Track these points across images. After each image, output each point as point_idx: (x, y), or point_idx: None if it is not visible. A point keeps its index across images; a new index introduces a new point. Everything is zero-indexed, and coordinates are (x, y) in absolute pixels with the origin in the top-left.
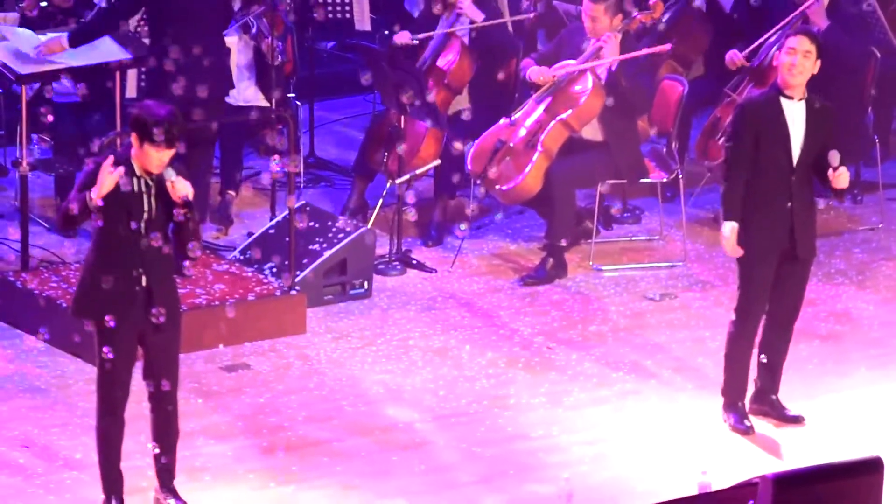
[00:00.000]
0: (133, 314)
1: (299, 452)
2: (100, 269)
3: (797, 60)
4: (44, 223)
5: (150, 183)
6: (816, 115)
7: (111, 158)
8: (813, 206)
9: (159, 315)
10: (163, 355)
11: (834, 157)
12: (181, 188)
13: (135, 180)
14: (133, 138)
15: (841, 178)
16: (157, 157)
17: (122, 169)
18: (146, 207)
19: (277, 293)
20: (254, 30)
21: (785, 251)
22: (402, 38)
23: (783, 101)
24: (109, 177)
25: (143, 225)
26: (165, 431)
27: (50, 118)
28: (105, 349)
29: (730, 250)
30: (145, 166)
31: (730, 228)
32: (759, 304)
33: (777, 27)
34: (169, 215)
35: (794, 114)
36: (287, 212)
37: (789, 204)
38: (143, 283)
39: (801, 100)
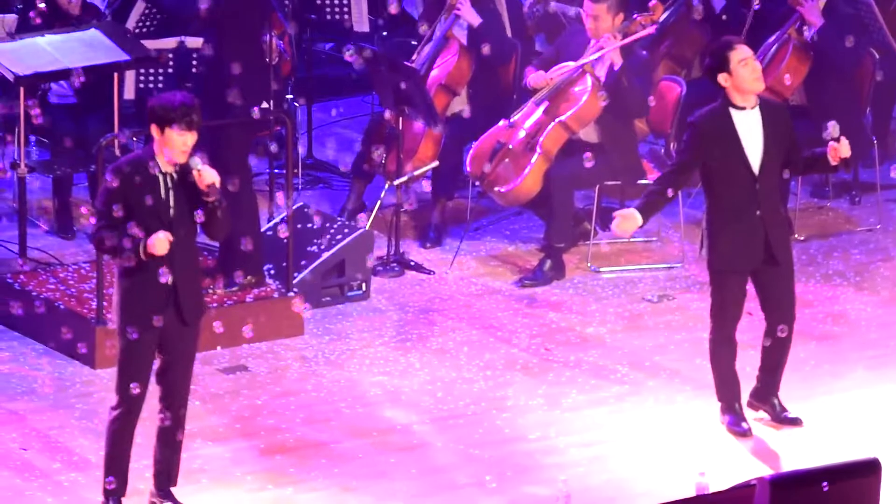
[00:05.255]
0: (158, 313)
1: (297, 454)
2: (132, 272)
3: (758, 65)
4: (42, 224)
5: (175, 176)
6: (772, 117)
7: (168, 234)
8: (783, 208)
9: (161, 321)
10: (181, 357)
11: (835, 128)
12: (208, 176)
13: (160, 177)
14: (154, 130)
15: (843, 147)
16: (180, 142)
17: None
18: (172, 204)
19: (275, 295)
20: None
21: (761, 260)
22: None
23: (733, 112)
24: (161, 242)
25: (171, 220)
26: (171, 435)
27: (40, 120)
28: (131, 344)
29: (618, 230)
30: (170, 156)
31: (630, 214)
32: (734, 310)
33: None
34: (194, 205)
35: (748, 123)
36: (284, 214)
37: (758, 212)
38: (170, 281)
39: (753, 108)
